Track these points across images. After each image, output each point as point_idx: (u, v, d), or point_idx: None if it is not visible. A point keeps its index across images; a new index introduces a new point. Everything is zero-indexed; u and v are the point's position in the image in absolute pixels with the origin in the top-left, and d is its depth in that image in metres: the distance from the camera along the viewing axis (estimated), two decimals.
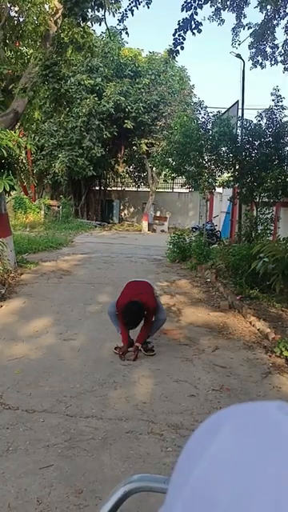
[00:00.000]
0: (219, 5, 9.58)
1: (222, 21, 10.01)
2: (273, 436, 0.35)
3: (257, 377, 4.42)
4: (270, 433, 0.35)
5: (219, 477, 0.33)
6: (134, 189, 25.62)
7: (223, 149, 10.63)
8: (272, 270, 5.56)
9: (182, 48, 6.45)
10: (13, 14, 9.95)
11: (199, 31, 6.30)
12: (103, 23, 8.49)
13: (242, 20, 10.16)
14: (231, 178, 10.95)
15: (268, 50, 10.58)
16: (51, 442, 3.09)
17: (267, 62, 10.65)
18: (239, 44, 10.79)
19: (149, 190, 22.14)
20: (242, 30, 10.42)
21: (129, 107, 19.08)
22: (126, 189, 25.93)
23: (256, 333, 5.79)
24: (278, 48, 10.35)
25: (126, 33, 8.83)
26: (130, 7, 7.29)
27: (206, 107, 11.15)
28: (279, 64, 10.43)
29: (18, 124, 10.24)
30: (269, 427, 0.36)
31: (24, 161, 9.31)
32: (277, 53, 10.42)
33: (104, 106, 18.71)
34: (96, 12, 7.91)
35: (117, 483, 0.86)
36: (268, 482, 0.32)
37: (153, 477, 0.89)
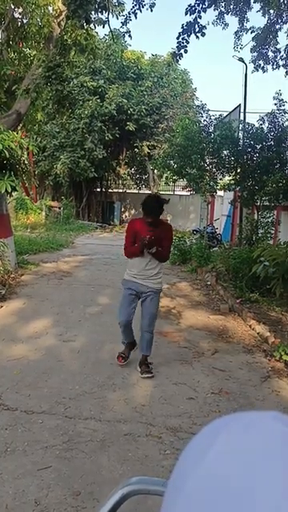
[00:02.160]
0: (222, 9, 9.61)
1: (226, 25, 10.03)
2: (268, 446, 0.35)
3: (256, 380, 4.42)
4: (265, 443, 0.36)
5: (214, 486, 0.34)
6: (135, 191, 25.65)
7: (225, 152, 10.65)
8: (272, 274, 5.57)
9: (186, 51, 6.47)
10: (16, 15, 9.99)
11: (203, 35, 6.32)
12: (106, 25, 8.53)
13: (245, 24, 10.18)
14: (232, 182, 10.97)
15: (270, 54, 10.60)
16: (49, 444, 3.09)
17: (269, 66, 10.67)
18: (241, 48, 10.81)
19: (150, 192, 22.16)
20: (244, 33, 10.45)
21: (131, 109, 19.12)
22: (127, 191, 25.96)
23: (256, 336, 5.78)
24: (280, 52, 10.37)
25: (129, 35, 8.86)
26: (133, 10, 7.31)
27: (208, 110, 11.18)
28: (281, 68, 10.44)
29: (21, 125, 10.27)
30: (264, 437, 0.36)
31: (26, 162, 9.35)
32: (279, 57, 10.44)
33: (106, 108, 18.75)
34: (99, 14, 7.96)
35: (115, 485, 0.86)
36: (265, 490, 0.32)
37: (151, 479, 0.89)
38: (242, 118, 12.28)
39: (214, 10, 9.19)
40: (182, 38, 6.38)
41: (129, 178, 25.78)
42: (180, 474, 0.38)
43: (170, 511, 0.37)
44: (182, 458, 0.40)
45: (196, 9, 6.24)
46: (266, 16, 9.92)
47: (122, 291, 4.40)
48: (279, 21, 9.91)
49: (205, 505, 0.33)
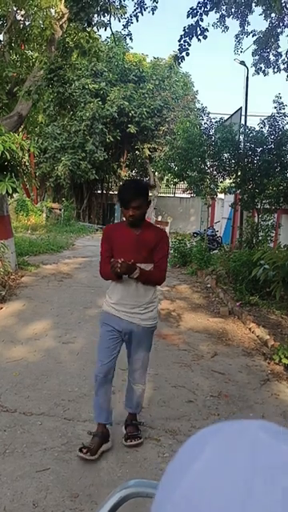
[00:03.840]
0: (224, 12, 9.64)
1: (227, 28, 10.07)
2: (253, 456, 0.35)
3: (255, 384, 4.41)
4: (251, 453, 0.36)
5: (200, 495, 0.34)
6: None
7: (225, 155, 10.66)
8: (272, 277, 5.56)
9: (188, 54, 6.49)
10: (19, 17, 10.03)
11: (205, 37, 6.34)
12: (108, 28, 8.56)
13: (246, 27, 10.21)
14: (233, 184, 10.98)
15: (271, 57, 10.63)
16: (48, 446, 3.09)
17: (270, 70, 10.70)
18: (241, 51, 10.87)
19: (151, 194, 22.19)
20: (245, 37, 10.48)
21: (132, 112, 19.16)
22: None
23: (255, 339, 5.78)
24: (281, 56, 10.39)
25: (131, 38, 8.88)
26: (135, 13, 7.33)
27: (208, 113, 11.20)
28: (282, 72, 10.47)
29: (22, 127, 10.28)
30: (249, 447, 0.36)
31: (27, 163, 9.36)
32: (280, 61, 10.46)
33: (107, 110, 18.79)
34: (101, 17, 7.97)
35: (113, 488, 0.86)
36: (241, 505, 0.32)
37: (149, 482, 0.89)
38: (242, 121, 12.30)
39: (216, 12, 9.23)
40: (184, 41, 6.40)
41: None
42: (167, 484, 0.38)
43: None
44: (170, 469, 0.40)
45: (198, 12, 6.26)
46: (268, 19, 9.94)
47: (99, 328, 3.13)
48: (281, 24, 9.94)
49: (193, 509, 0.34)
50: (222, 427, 0.40)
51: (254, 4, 9.37)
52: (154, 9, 7.46)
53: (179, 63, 6.77)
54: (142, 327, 2.99)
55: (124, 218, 2.93)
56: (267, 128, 10.17)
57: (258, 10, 9.74)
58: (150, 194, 3.11)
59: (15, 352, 4.84)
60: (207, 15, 6.23)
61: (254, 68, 10.75)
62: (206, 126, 11.11)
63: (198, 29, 6.22)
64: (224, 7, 9.37)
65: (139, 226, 2.94)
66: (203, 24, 6.34)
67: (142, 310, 2.96)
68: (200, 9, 6.23)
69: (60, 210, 20.78)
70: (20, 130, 9.95)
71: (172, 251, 11.67)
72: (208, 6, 6.28)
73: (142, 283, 2.91)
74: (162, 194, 23.80)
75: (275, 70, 10.55)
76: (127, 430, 3.22)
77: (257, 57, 10.65)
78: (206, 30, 6.23)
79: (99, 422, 3.08)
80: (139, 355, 3.12)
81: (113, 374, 3.11)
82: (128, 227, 2.95)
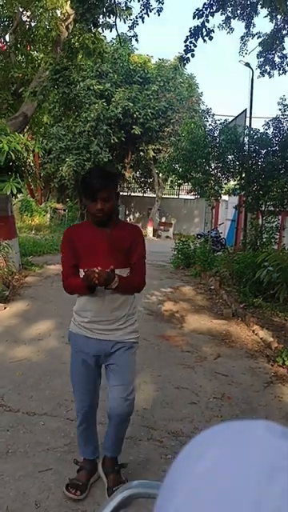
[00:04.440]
0: (229, 14, 9.63)
1: (232, 29, 10.07)
2: (260, 457, 0.35)
3: (259, 386, 4.40)
4: (257, 453, 0.35)
5: (203, 498, 0.34)
6: (140, 194, 25.67)
7: (230, 157, 10.66)
8: (276, 279, 5.56)
9: (193, 55, 6.49)
10: (25, 18, 10.07)
11: (210, 38, 6.35)
12: (114, 29, 8.58)
13: (251, 29, 10.21)
14: (237, 186, 10.97)
15: (276, 59, 10.62)
16: (51, 446, 3.09)
17: (275, 72, 10.68)
18: (246, 53, 10.87)
19: (155, 195, 22.19)
20: (250, 39, 10.48)
21: (137, 113, 19.16)
22: (132, 194, 25.99)
23: (259, 341, 5.76)
24: (286, 58, 10.38)
25: (136, 39, 8.90)
26: (140, 14, 7.35)
27: (213, 115, 11.21)
28: (287, 74, 10.46)
29: (27, 127, 10.32)
30: (256, 448, 0.36)
31: (31, 164, 9.39)
32: (285, 62, 10.45)
33: (112, 111, 18.81)
34: (107, 18, 7.98)
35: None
36: (250, 504, 0.32)
37: (152, 483, 0.89)
38: (247, 123, 12.29)
39: (221, 14, 9.23)
40: (190, 42, 6.40)
41: (134, 181, 25.80)
42: (169, 486, 0.38)
43: None
44: (172, 470, 0.40)
45: (204, 13, 6.27)
46: (273, 21, 9.93)
47: (71, 353, 2.65)
48: (286, 26, 9.93)
49: None
50: (227, 427, 0.40)
51: (259, 6, 9.36)
52: (159, 10, 7.47)
53: (184, 64, 6.78)
54: (124, 343, 2.47)
55: (89, 217, 2.42)
56: (272, 130, 10.17)
57: (264, 11, 9.73)
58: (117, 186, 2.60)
59: (19, 352, 4.85)
60: (213, 16, 6.24)
61: (259, 70, 10.74)
62: (210, 127, 11.12)
63: (204, 30, 6.23)
64: (229, 9, 9.36)
65: (108, 223, 2.40)
66: (209, 25, 6.35)
67: (122, 324, 2.47)
68: (206, 10, 6.24)
69: (64, 210, 20.80)
70: (25, 130, 9.98)
71: (176, 252, 11.66)
72: (214, 8, 6.29)
73: (120, 293, 2.41)
74: (166, 196, 23.78)
75: (280, 71, 10.54)
76: (109, 482, 2.60)
77: (262, 59, 10.64)
78: (212, 31, 6.24)
79: (88, 457, 2.73)
80: (123, 379, 2.49)
81: (97, 405, 2.68)
82: (95, 226, 2.41)
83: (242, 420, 0.41)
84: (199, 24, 6.39)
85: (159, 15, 7.52)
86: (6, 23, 10.17)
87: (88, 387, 2.56)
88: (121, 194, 24.19)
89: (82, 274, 2.38)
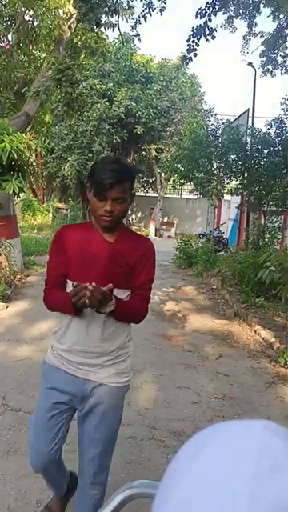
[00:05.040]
0: (232, 13, 9.63)
1: (235, 29, 10.07)
2: (257, 456, 0.35)
3: (260, 386, 4.39)
4: (254, 453, 0.35)
5: (200, 498, 0.33)
6: (142, 194, 25.68)
7: (232, 156, 10.66)
8: (278, 279, 5.53)
9: (196, 55, 6.49)
10: (27, 17, 10.07)
11: (213, 38, 6.34)
12: (116, 29, 8.57)
13: (254, 28, 10.21)
14: (239, 186, 10.96)
15: (279, 58, 10.61)
16: None
17: (278, 71, 10.68)
18: (248, 52, 10.89)
19: (157, 195, 22.18)
20: (252, 38, 10.48)
21: (139, 112, 19.16)
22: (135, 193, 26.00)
23: (261, 342, 5.76)
24: None
25: (139, 39, 8.90)
26: (143, 14, 7.36)
27: (215, 114, 11.21)
28: None
29: (29, 127, 10.32)
30: (253, 447, 0.36)
31: (34, 163, 9.39)
32: None
33: (115, 110, 18.82)
34: (110, 18, 7.99)
35: (116, 488, 0.86)
36: (246, 503, 0.31)
37: (153, 483, 0.89)
38: (250, 122, 12.28)
39: (223, 13, 9.23)
40: (192, 41, 6.40)
41: (136, 180, 25.81)
42: (166, 485, 0.38)
43: None
44: (170, 469, 0.39)
45: (206, 12, 6.26)
46: (276, 21, 9.92)
47: (39, 389, 2.08)
48: None
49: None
50: (224, 427, 0.40)
51: (261, 5, 9.35)
52: (162, 9, 7.47)
53: (187, 64, 6.78)
54: (109, 388, 1.88)
55: (92, 217, 1.88)
56: (274, 129, 10.16)
57: (266, 11, 9.73)
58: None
59: (20, 351, 4.85)
60: (216, 16, 6.24)
61: (261, 69, 10.74)
62: (212, 127, 11.11)
63: (207, 29, 6.22)
64: (232, 8, 9.36)
65: (114, 230, 1.88)
66: (211, 24, 6.34)
67: (110, 361, 1.88)
68: (209, 9, 6.24)
69: (66, 209, 20.82)
70: (27, 129, 9.99)
71: (178, 252, 11.64)
72: (216, 7, 6.28)
73: (115, 319, 1.85)
74: (168, 195, 23.77)
75: (283, 71, 10.53)
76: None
77: (264, 58, 10.63)
78: (215, 30, 6.24)
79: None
80: (100, 434, 1.90)
81: (56, 463, 2.07)
82: (97, 231, 1.87)
83: (240, 420, 0.40)
84: (202, 23, 6.38)
85: (162, 14, 7.53)
86: (9, 22, 10.18)
87: (50, 436, 1.92)
88: None
89: (69, 287, 1.83)
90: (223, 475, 0.34)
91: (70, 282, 1.85)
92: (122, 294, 1.87)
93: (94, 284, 1.63)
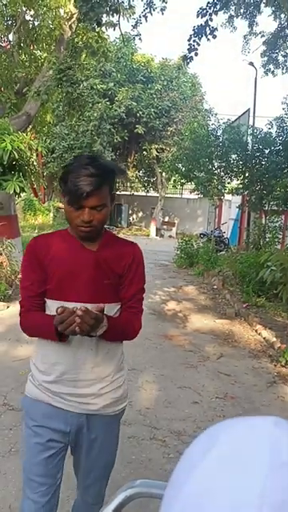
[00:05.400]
0: (232, 12, 9.62)
1: (235, 28, 10.07)
2: (267, 452, 0.35)
3: (261, 386, 4.39)
4: (265, 448, 0.35)
5: (210, 493, 0.33)
6: (143, 193, 25.67)
7: (233, 156, 10.65)
8: (279, 279, 5.53)
9: (196, 54, 6.49)
10: (28, 17, 10.07)
11: (214, 37, 6.35)
12: (117, 28, 8.57)
13: (255, 28, 10.21)
14: (240, 186, 10.95)
15: (280, 58, 10.61)
16: None
17: (279, 71, 10.67)
18: (248, 52, 10.90)
19: (158, 195, 22.18)
20: (253, 37, 10.48)
21: (140, 112, 19.16)
22: (135, 193, 25.99)
23: (262, 341, 5.75)
24: None
25: (140, 38, 8.90)
26: (144, 13, 7.35)
27: (216, 114, 11.21)
28: None
29: (30, 126, 10.33)
30: (263, 442, 0.36)
31: (35, 163, 9.38)
32: None
33: (115, 110, 18.82)
34: (111, 17, 7.99)
35: (117, 488, 0.85)
36: (256, 500, 0.31)
37: (154, 483, 0.89)
38: (251, 122, 12.27)
39: (224, 13, 9.23)
40: (193, 41, 6.40)
41: (137, 180, 25.80)
42: (177, 478, 0.38)
43: None
44: (180, 464, 0.39)
45: (207, 11, 6.26)
46: (277, 20, 9.92)
47: (24, 428, 1.73)
48: None
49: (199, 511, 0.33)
50: (235, 422, 0.40)
51: (262, 5, 9.35)
52: (163, 9, 7.46)
53: (188, 63, 6.77)
54: (107, 418, 1.68)
55: (69, 226, 1.64)
56: (275, 129, 10.15)
57: (267, 10, 9.72)
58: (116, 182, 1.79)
59: (21, 351, 4.85)
60: (216, 15, 6.24)
61: (263, 69, 10.73)
62: (213, 126, 11.12)
63: (208, 28, 6.22)
64: (233, 7, 9.35)
65: (95, 238, 1.63)
66: (212, 24, 6.34)
67: (105, 388, 1.64)
68: (209, 9, 6.23)
69: None
70: (28, 129, 9.99)
71: (179, 252, 11.63)
72: (217, 6, 6.28)
73: (108, 341, 1.60)
74: (169, 195, 23.76)
75: (284, 70, 10.52)
76: None
77: (265, 58, 10.63)
78: (216, 29, 6.23)
79: None
80: (99, 463, 1.74)
81: (56, 507, 1.76)
82: (76, 239, 1.63)
83: (251, 416, 0.41)
84: (203, 23, 6.38)
85: (163, 14, 7.52)
86: (10, 22, 10.18)
87: (46, 482, 1.66)
88: (124, 193, 23.88)
89: (50, 308, 1.61)
90: (234, 469, 0.34)
91: (49, 302, 1.63)
92: (113, 309, 1.64)
93: (83, 307, 1.39)
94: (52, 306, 1.57)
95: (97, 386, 1.62)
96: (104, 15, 7.56)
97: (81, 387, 1.61)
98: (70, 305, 1.45)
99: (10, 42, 10.61)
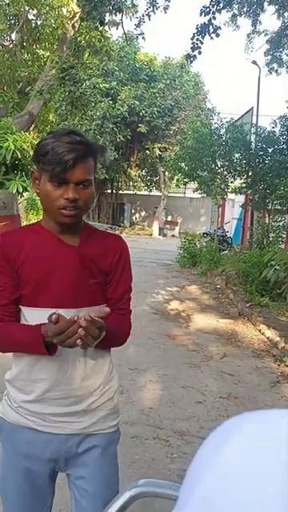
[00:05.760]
0: (236, 11, 9.60)
1: (238, 27, 10.05)
2: (285, 445, 0.34)
3: (265, 385, 4.38)
4: (282, 442, 0.34)
5: (227, 487, 0.32)
6: (146, 193, 25.65)
7: (236, 155, 10.63)
8: (283, 279, 5.51)
9: (200, 53, 6.48)
10: (31, 17, 10.09)
11: (217, 35, 6.33)
12: (120, 27, 8.56)
13: (258, 27, 10.18)
14: (244, 185, 10.93)
15: (284, 57, 10.58)
16: None
17: (283, 70, 10.64)
18: (252, 51, 10.86)
19: (161, 194, 22.16)
20: (257, 36, 10.45)
21: (143, 111, 19.15)
22: (138, 192, 25.98)
23: (265, 341, 5.74)
24: None
25: (143, 37, 8.89)
26: (147, 12, 7.33)
27: (219, 113, 11.19)
28: None
29: (33, 126, 10.34)
30: (281, 436, 0.35)
31: None
32: None
33: (118, 109, 18.81)
34: (113, 16, 7.97)
35: (121, 487, 0.84)
36: (276, 496, 0.30)
37: (159, 482, 0.88)
38: (254, 121, 12.24)
39: (227, 11, 9.21)
40: (197, 39, 6.38)
41: (139, 179, 25.79)
42: (194, 472, 0.37)
43: (182, 510, 0.35)
44: (195, 461, 0.38)
45: (211, 10, 6.24)
46: (281, 19, 9.89)
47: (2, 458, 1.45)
48: None
49: (217, 504, 0.32)
50: (251, 416, 0.39)
51: (266, 3, 9.32)
52: (166, 8, 7.45)
53: (191, 61, 6.76)
54: (100, 437, 1.43)
55: (43, 216, 1.43)
56: (279, 128, 10.12)
57: (271, 9, 9.70)
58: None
59: None
60: (220, 13, 6.22)
61: (266, 68, 10.71)
62: (216, 125, 11.09)
63: (211, 27, 6.20)
64: (236, 6, 9.33)
65: (75, 231, 1.40)
66: (215, 22, 6.33)
67: (95, 402, 1.41)
68: (213, 7, 6.21)
69: None
70: (31, 128, 10.00)
71: (182, 251, 11.61)
72: (221, 5, 6.26)
73: (99, 349, 1.40)
74: (171, 194, 23.73)
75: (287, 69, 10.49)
76: None
77: (269, 56, 10.60)
78: (219, 28, 6.22)
79: None
80: (97, 498, 1.40)
81: None
82: (52, 234, 1.38)
83: (266, 409, 0.40)
84: (206, 21, 6.37)
85: (166, 13, 7.50)
86: (13, 21, 10.20)
87: None
88: (126, 192, 23.89)
89: (26, 317, 1.37)
90: (253, 463, 0.33)
91: (25, 310, 1.37)
92: (99, 311, 1.36)
93: (88, 316, 1.18)
94: (29, 315, 1.36)
95: (86, 402, 1.39)
96: (107, 14, 7.55)
97: (68, 405, 1.37)
98: (51, 311, 1.23)
99: (12, 41, 10.63)
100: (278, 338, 5.51)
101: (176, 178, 17.40)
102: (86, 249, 1.39)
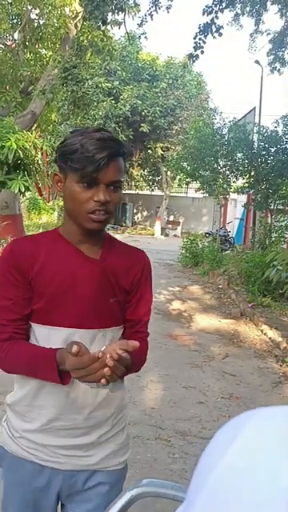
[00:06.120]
0: (238, 10, 9.59)
1: (241, 26, 10.04)
2: None
3: (267, 386, 4.37)
4: None
5: (237, 482, 0.32)
6: (148, 192, 25.63)
7: (238, 155, 10.62)
8: (286, 279, 5.50)
9: (202, 52, 6.47)
10: (33, 16, 10.09)
11: (220, 35, 6.32)
12: (122, 27, 8.56)
13: (261, 26, 10.17)
14: (246, 185, 10.92)
15: (286, 56, 10.56)
16: None
17: (285, 69, 10.62)
18: (255, 50, 10.87)
19: (163, 194, 22.15)
20: (259, 35, 10.44)
21: (145, 111, 19.14)
22: (140, 192, 25.96)
23: (267, 341, 5.72)
24: None
25: (145, 37, 8.87)
26: (149, 12, 7.32)
27: (221, 113, 11.18)
28: None
29: (35, 125, 10.34)
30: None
31: (39, 162, 9.39)
32: None
33: (120, 109, 18.80)
34: (116, 16, 7.97)
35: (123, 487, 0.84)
36: (287, 490, 0.30)
37: (161, 482, 0.88)
38: (256, 120, 12.23)
39: (230, 11, 9.19)
40: (199, 39, 6.37)
41: (141, 179, 25.78)
42: (202, 468, 0.37)
43: (190, 507, 0.35)
44: (204, 456, 0.38)
45: (213, 9, 6.23)
46: (284, 18, 9.86)
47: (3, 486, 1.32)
48: None
49: (223, 507, 0.32)
50: (259, 411, 0.38)
51: (269, 2, 9.30)
52: (168, 7, 7.43)
53: (194, 61, 6.75)
54: (108, 474, 1.31)
55: (64, 222, 1.27)
56: (281, 127, 10.10)
57: (274, 8, 9.67)
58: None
59: None
60: (222, 13, 6.21)
61: (268, 67, 10.69)
62: (218, 125, 11.08)
63: (214, 26, 6.19)
64: (239, 5, 9.32)
65: (98, 239, 1.26)
66: (218, 22, 6.32)
67: (106, 434, 1.29)
68: (215, 6, 6.20)
69: None
70: (33, 128, 10.01)
71: (184, 251, 11.60)
72: (223, 4, 6.25)
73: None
74: (174, 194, 23.71)
75: None
76: None
77: (272, 56, 10.58)
78: (222, 27, 6.21)
79: None
80: None
81: None
82: (70, 244, 1.24)
83: (274, 405, 0.39)
84: (208, 21, 6.35)
85: (168, 12, 7.48)
86: (15, 21, 10.20)
87: None
88: (128, 192, 23.94)
89: (36, 335, 1.22)
90: (261, 457, 0.33)
91: (36, 328, 1.22)
92: (118, 335, 1.29)
93: (116, 354, 1.01)
94: (40, 333, 1.21)
95: (96, 433, 1.26)
96: (109, 13, 7.54)
97: (75, 437, 1.23)
98: (67, 331, 1.16)
99: (15, 40, 10.63)
100: (280, 339, 5.50)
101: (178, 177, 17.42)
102: (109, 263, 1.25)
